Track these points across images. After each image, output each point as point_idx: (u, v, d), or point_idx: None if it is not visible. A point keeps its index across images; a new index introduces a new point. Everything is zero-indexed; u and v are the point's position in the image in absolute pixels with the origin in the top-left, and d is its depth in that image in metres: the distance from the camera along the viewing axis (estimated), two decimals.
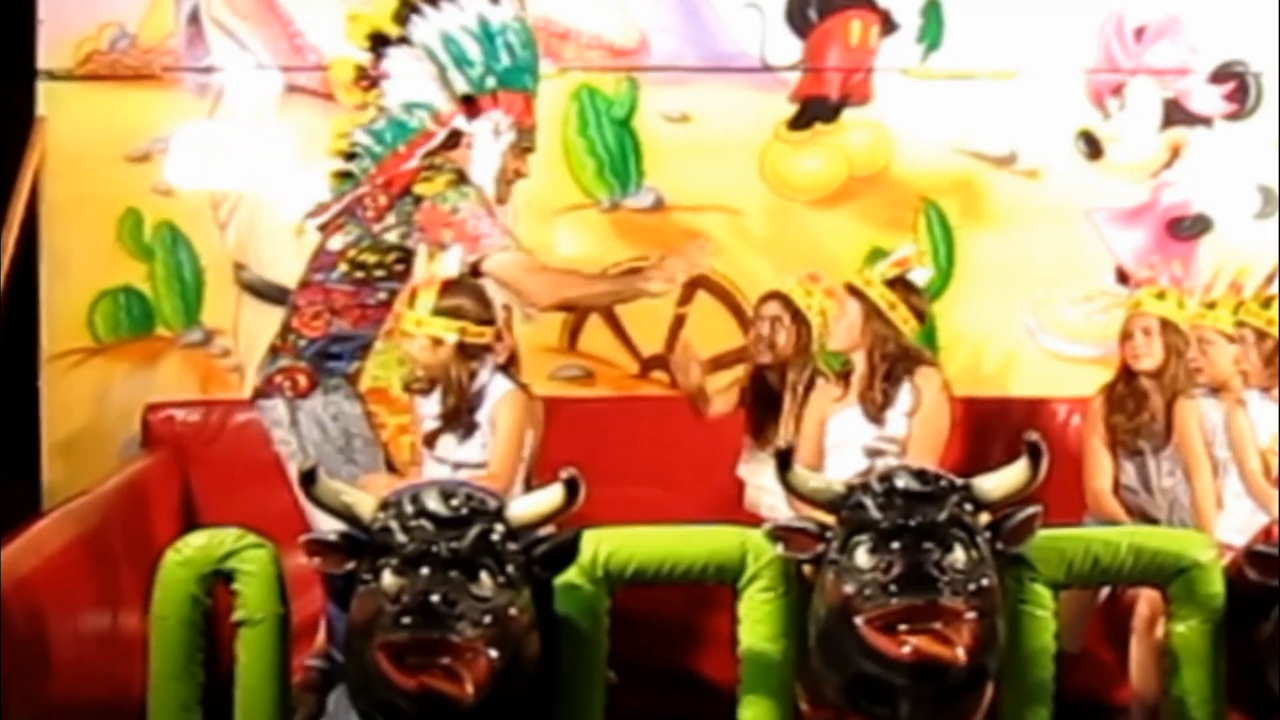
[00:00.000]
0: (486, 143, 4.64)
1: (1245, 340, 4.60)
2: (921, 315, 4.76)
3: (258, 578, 3.83)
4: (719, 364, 5.38)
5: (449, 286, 4.39)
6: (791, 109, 5.39)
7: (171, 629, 3.82)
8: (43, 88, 5.32)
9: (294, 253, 5.19)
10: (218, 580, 3.85)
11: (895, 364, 4.63)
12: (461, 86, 4.67)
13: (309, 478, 3.65)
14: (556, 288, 4.57)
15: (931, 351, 5.26)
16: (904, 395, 4.66)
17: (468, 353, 4.35)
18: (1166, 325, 4.82)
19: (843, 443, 4.64)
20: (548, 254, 5.32)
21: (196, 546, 3.87)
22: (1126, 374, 4.87)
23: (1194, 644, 3.88)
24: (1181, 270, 5.09)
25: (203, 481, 5.09)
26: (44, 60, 5.31)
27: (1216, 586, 3.89)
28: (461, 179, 4.61)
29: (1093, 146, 5.44)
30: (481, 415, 4.37)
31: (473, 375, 4.36)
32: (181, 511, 4.99)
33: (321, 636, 4.39)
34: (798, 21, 5.39)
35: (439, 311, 4.34)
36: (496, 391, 4.38)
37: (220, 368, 5.33)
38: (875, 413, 4.62)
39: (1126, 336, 4.87)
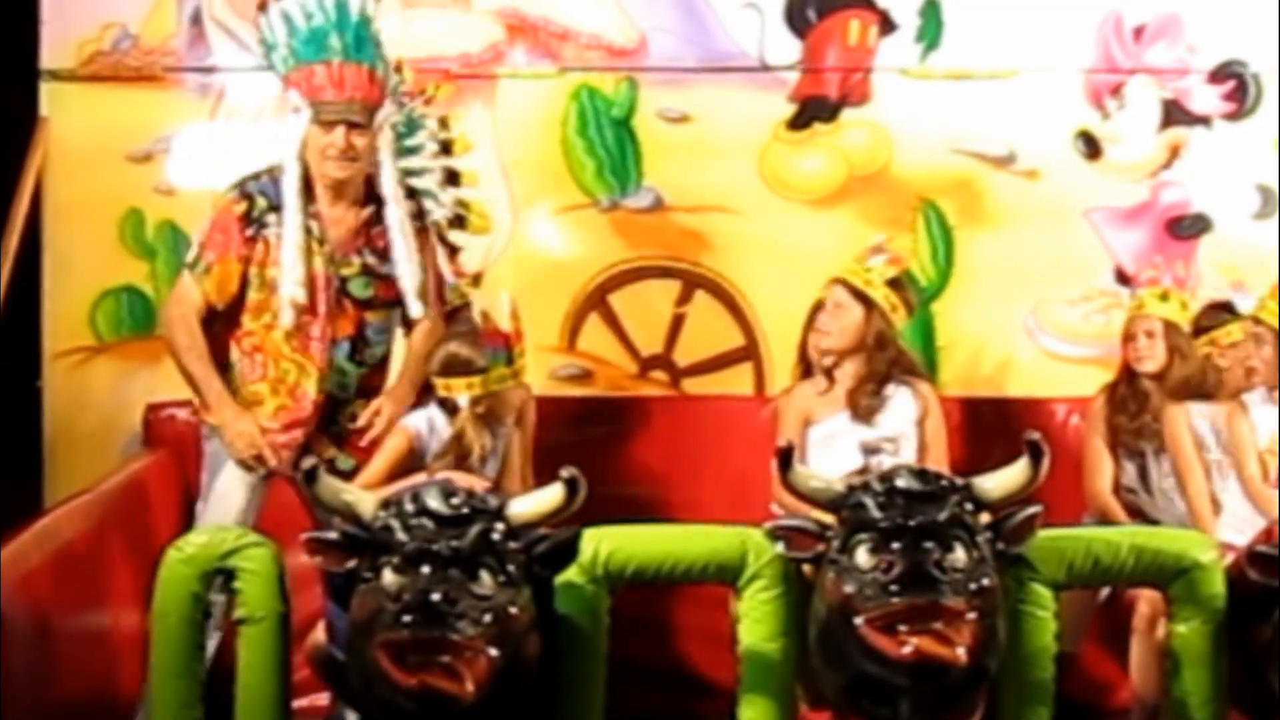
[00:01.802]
0: (293, 124, 4.40)
1: (1262, 339, 4.61)
2: (912, 309, 4.77)
3: (259, 576, 3.84)
4: (719, 364, 5.40)
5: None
6: (790, 109, 5.38)
7: (173, 627, 3.83)
8: (46, 88, 5.31)
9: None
10: (219, 578, 3.88)
11: (892, 367, 4.63)
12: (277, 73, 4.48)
13: (310, 476, 3.66)
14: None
15: (930, 351, 5.29)
16: (906, 401, 4.66)
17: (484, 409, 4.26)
18: (1169, 327, 4.80)
19: (835, 438, 4.61)
20: (548, 254, 5.36)
21: (198, 545, 3.89)
22: (1128, 375, 4.85)
23: (1195, 645, 3.88)
24: (1184, 271, 5.09)
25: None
26: (47, 61, 5.31)
27: (1218, 587, 3.88)
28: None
29: (1091, 146, 5.43)
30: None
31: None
32: (182, 510, 4.98)
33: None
34: (796, 21, 5.38)
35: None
36: None
37: None
38: (865, 415, 4.60)
39: (1129, 338, 4.85)
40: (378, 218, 4.42)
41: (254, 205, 4.38)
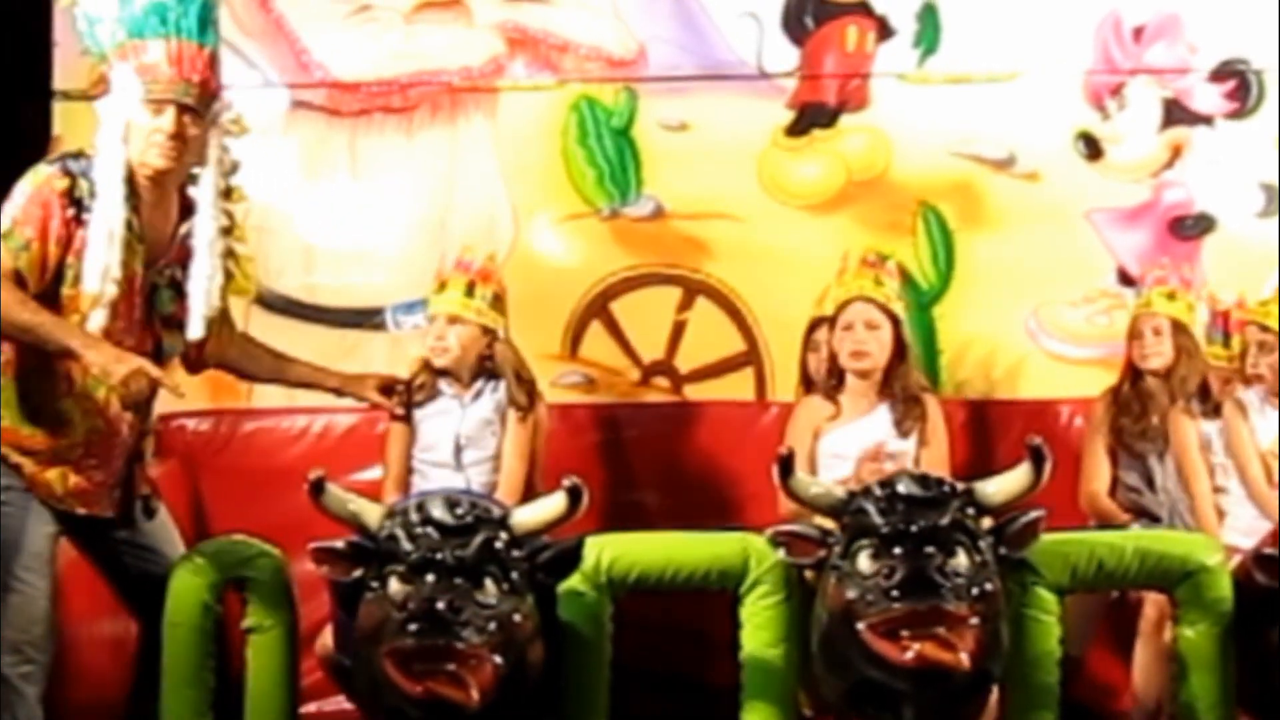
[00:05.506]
0: (116, 103, 3.81)
1: (1267, 345, 4.56)
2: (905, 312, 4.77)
3: (268, 585, 3.89)
4: (720, 369, 5.42)
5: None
6: (789, 115, 5.40)
7: (184, 635, 3.87)
8: (58, 108, 5.33)
9: (302, 265, 5.25)
10: (229, 587, 3.91)
11: (911, 380, 4.62)
12: None
13: (318, 487, 3.69)
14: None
15: (931, 355, 5.30)
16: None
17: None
18: (1177, 326, 4.78)
19: (843, 455, 4.58)
20: (549, 263, 5.38)
21: (209, 555, 3.94)
22: (1133, 375, 4.82)
23: (1202, 648, 3.85)
24: (1190, 272, 5.09)
25: (212, 490, 5.11)
26: (59, 81, 5.32)
27: (1224, 590, 3.85)
28: None
29: (1092, 147, 5.43)
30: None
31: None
32: (192, 519, 5.01)
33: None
34: (794, 29, 5.40)
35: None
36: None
37: (229, 378, 5.33)
38: (906, 430, 4.54)
39: (1134, 336, 4.82)
40: (186, 226, 3.88)
41: (76, 185, 3.74)
